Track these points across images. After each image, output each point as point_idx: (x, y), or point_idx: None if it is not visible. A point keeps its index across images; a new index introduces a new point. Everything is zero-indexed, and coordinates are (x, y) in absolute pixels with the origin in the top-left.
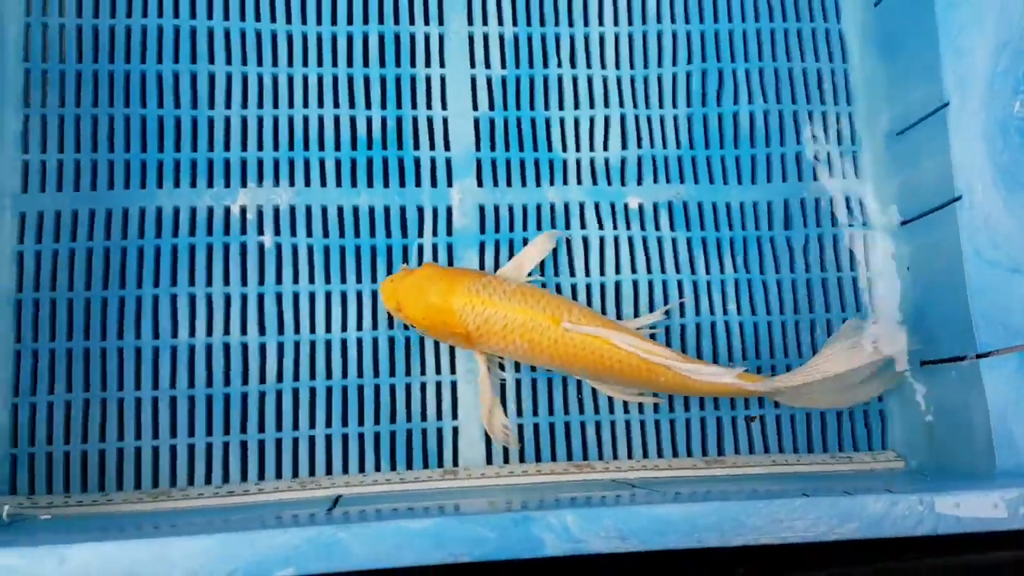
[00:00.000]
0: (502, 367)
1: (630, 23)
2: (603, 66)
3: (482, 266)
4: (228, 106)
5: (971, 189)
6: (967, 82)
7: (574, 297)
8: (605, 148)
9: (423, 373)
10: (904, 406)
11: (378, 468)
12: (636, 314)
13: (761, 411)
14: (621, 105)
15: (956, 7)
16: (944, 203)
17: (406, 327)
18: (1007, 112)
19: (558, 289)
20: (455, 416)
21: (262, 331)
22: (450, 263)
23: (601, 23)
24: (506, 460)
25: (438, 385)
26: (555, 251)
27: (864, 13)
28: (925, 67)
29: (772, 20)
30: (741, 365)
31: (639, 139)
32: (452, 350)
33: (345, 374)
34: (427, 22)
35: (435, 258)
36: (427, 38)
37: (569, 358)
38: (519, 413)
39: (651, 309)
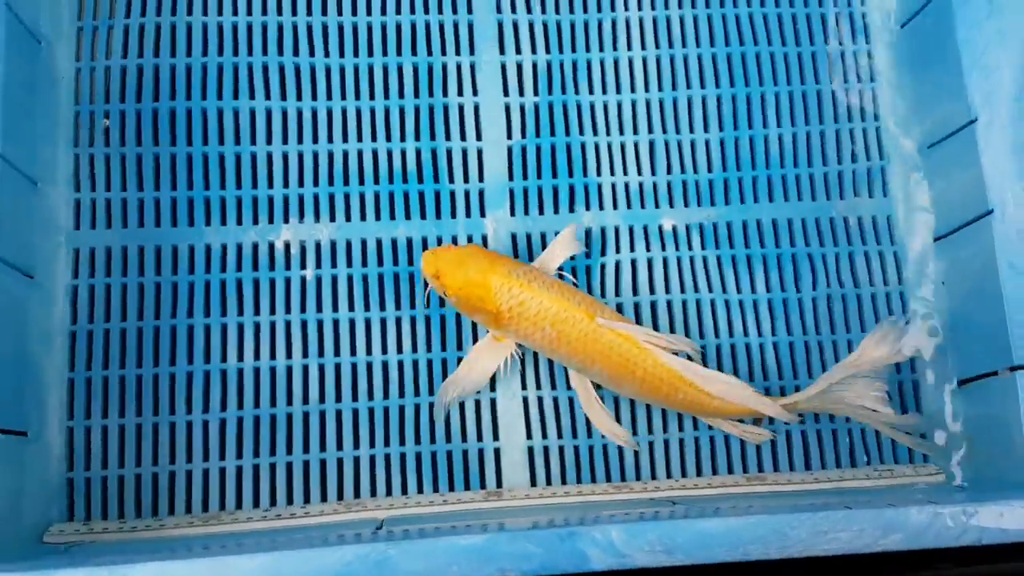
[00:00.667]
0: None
1: (657, 47)
2: (633, 90)
3: None
4: (269, 142)
5: (1003, 202)
6: (994, 98)
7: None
8: (639, 172)
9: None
10: (943, 418)
11: (420, 490)
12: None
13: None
14: (650, 131)
15: (979, 26)
16: (977, 217)
17: (441, 303)
18: None
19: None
20: (496, 437)
21: (305, 355)
22: None
23: (630, 48)
24: (548, 482)
25: (477, 404)
26: (589, 272)
27: (891, 34)
28: (952, 84)
29: (799, 44)
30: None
31: (669, 163)
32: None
33: (387, 395)
34: (458, 52)
35: None
36: (459, 68)
37: (595, 355)
38: (559, 435)
39: (686, 328)
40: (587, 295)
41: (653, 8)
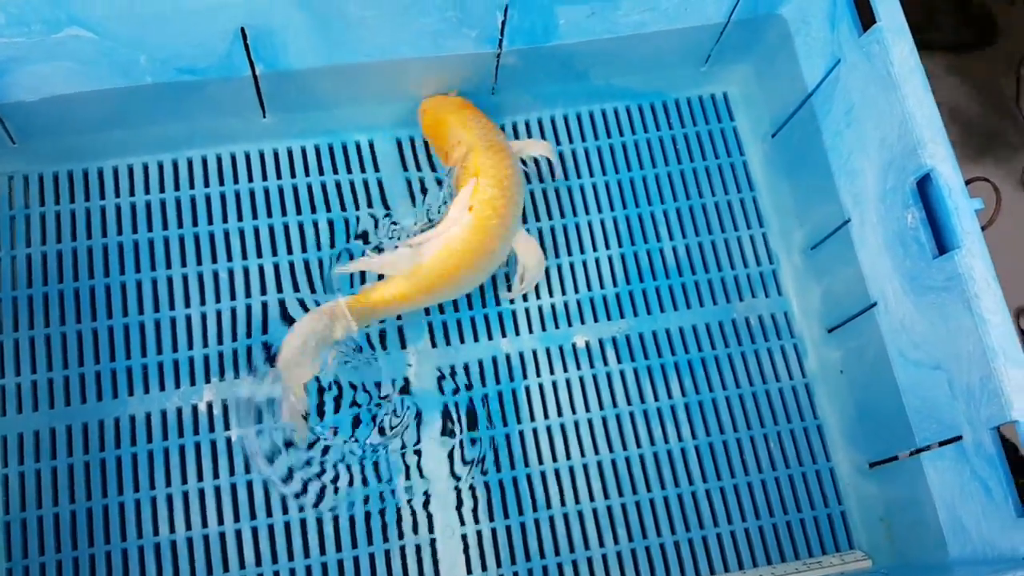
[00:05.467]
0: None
1: (553, 178)
2: (537, 219)
3: (445, 427)
4: (188, 304)
5: (884, 295)
6: (862, 199)
7: (536, 442)
8: (550, 294)
9: (401, 537)
10: (860, 505)
11: None
12: (597, 452)
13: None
14: (556, 255)
15: (841, 134)
16: (862, 310)
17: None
18: (902, 224)
19: (520, 436)
20: (437, 575)
21: (237, 519)
22: (418, 429)
23: (542, 181)
24: None
25: (417, 548)
26: (516, 398)
27: (763, 144)
28: (824, 188)
29: (680, 162)
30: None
31: (575, 282)
32: (428, 509)
33: (323, 551)
34: (363, 170)
35: (402, 424)
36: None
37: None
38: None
39: (608, 442)
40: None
41: (558, 144)
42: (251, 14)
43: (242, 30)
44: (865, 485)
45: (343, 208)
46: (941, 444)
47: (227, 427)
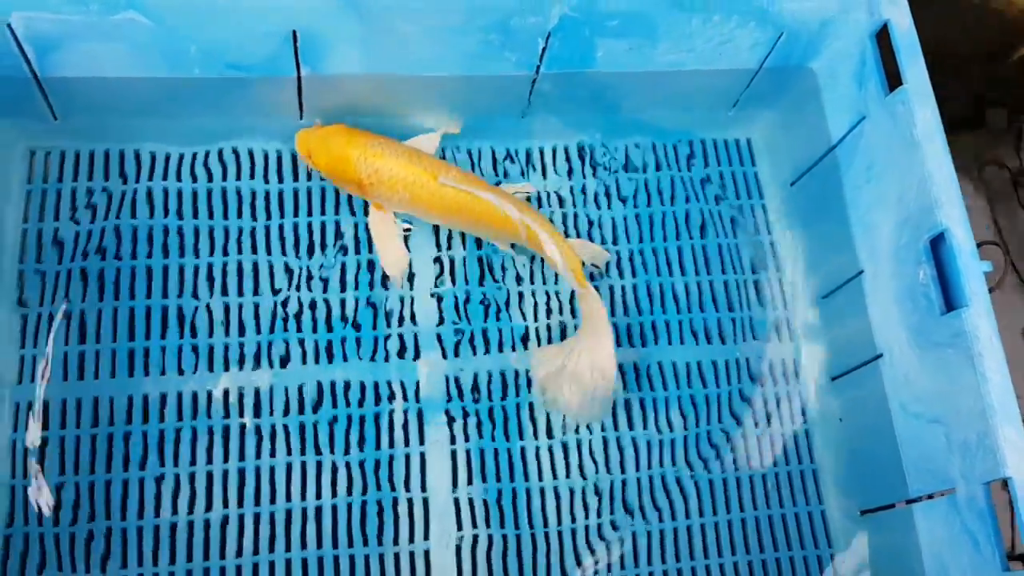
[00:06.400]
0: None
1: (574, 206)
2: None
3: (452, 435)
4: (211, 293)
5: (890, 348)
6: (877, 253)
7: (537, 459)
8: (560, 313)
9: (396, 543)
10: (849, 550)
11: None
12: (596, 474)
13: None
14: None
15: (861, 188)
16: (867, 360)
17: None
18: (913, 279)
19: (522, 452)
20: None
21: (240, 505)
22: (420, 432)
23: (551, 206)
24: None
25: (411, 555)
26: (519, 414)
27: (782, 191)
28: (840, 239)
29: (700, 201)
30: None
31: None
32: (427, 516)
33: (320, 544)
34: None
35: (406, 428)
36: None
37: (446, 210)
38: None
39: (607, 467)
40: (435, 159)
41: (570, 171)
42: (303, 17)
43: (293, 32)
44: (855, 531)
45: (366, 213)
46: (934, 496)
47: (241, 415)
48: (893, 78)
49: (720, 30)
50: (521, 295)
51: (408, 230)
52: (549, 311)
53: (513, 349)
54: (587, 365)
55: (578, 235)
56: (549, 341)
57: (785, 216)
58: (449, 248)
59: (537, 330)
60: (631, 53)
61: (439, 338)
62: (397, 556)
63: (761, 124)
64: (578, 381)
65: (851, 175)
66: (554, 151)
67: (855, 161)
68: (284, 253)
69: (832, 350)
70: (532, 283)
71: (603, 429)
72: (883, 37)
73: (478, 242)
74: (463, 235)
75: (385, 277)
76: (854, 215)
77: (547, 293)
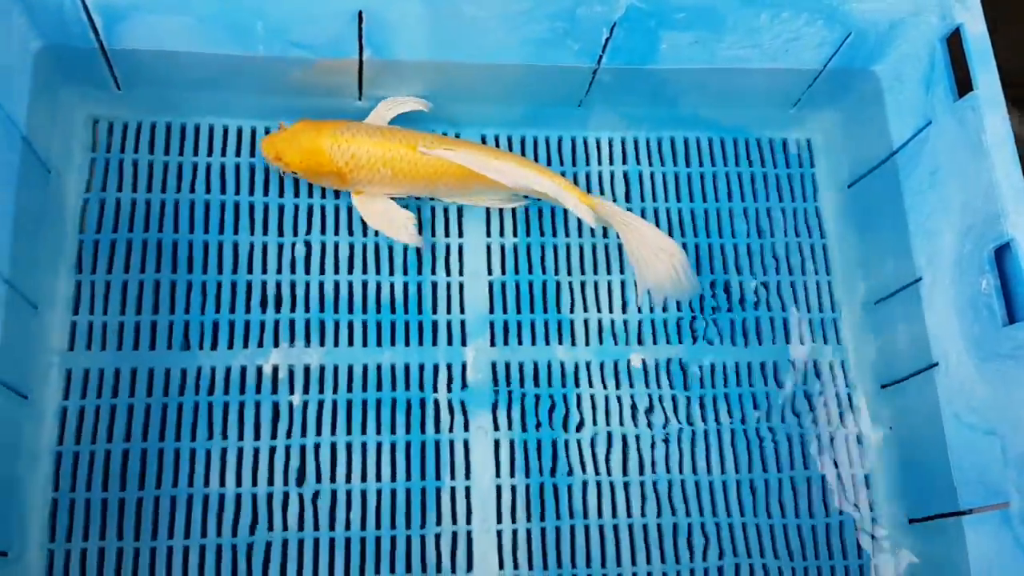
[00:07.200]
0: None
1: (628, 200)
2: (605, 236)
3: (496, 423)
4: (264, 271)
5: (946, 357)
6: (937, 260)
7: (579, 451)
8: (610, 310)
9: (439, 523)
10: (895, 559)
11: None
12: (641, 471)
13: None
14: (621, 272)
15: (923, 194)
16: (921, 369)
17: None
18: (975, 289)
19: (565, 443)
20: (470, 568)
21: (286, 482)
22: (465, 419)
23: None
24: None
25: (453, 536)
26: (567, 405)
27: (839, 193)
28: (897, 244)
29: (756, 200)
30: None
31: (638, 303)
32: (469, 503)
33: (364, 526)
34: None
35: (451, 416)
36: (446, 209)
37: (429, 178)
38: (530, 567)
39: (653, 464)
40: (407, 131)
41: (625, 163)
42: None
43: (360, 14)
44: (902, 540)
45: (417, 197)
46: (986, 509)
47: (291, 391)
48: (960, 84)
49: (788, 27)
50: (571, 284)
51: None
52: (598, 306)
53: (560, 341)
54: (653, 252)
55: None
56: (600, 335)
57: (840, 218)
58: (501, 235)
59: (587, 322)
60: (695, 47)
61: (491, 325)
62: (439, 538)
63: (820, 125)
64: (657, 263)
65: (913, 180)
66: (610, 142)
67: (918, 166)
68: (337, 233)
69: (883, 357)
70: (583, 274)
71: (650, 427)
72: (952, 42)
73: (528, 229)
74: (514, 222)
75: (434, 261)
76: (914, 221)
77: (595, 284)
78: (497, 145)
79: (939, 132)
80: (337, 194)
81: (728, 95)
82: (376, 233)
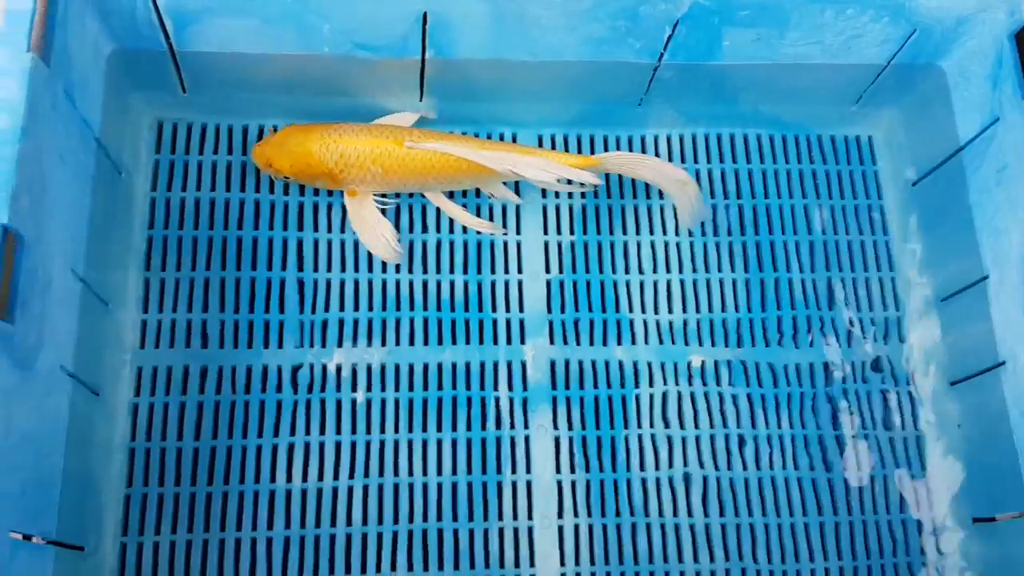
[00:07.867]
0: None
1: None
2: (664, 233)
3: (555, 421)
4: (330, 269)
5: (1015, 356)
6: (1004, 259)
7: (640, 449)
8: (669, 311)
9: (500, 518)
10: (961, 559)
11: None
12: (702, 469)
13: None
14: (680, 271)
15: (990, 192)
16: (989, 367)
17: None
18: None
19: (625, 440)
20: (532, 563)
21: (352, 476)
22: (525, 417)
23: (662, 196)
24: None
25: (515, 531)
26: (625, 404)
27: (902, 191)
28: (963, 243)
29: (819, 197)
30: None
31: (697, 303)
32: (530, 498)
33: (425, 518)
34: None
35: (512, 413)
36: (504, 208)
37: (420, 173)
38: (591, 562)
39: (715, 462)
40: (394, 127)
41: (683, 161)
42: (435, 0)
43: (424, 15)
44: (966, 541)
45: (476, 195)
46: None
47: (354, 389)
48: None
49: (853, 24)
50: (628, 284)
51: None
52: (656, 306)
53: (619, 342)
54: (673, 183)
55: (689, 232)
56: (659, 334)
57: (905, 216)
58: (558, 232)
59: (646, 322)
60: (758, 44)
61: (549, 324)
62: (502, 532)
63: (883, 122)
64: (682, 195)
65: (979, 177)
66: (668, 140)
67: (984, 163)
68: (398, 230)
69: (952, 355)
70: (640, 273)
71: (711, 426)
72: (1021, 38)
73: (585, 228)
74: (571, 220)
75: (493, 260)
76: (980, 218)
77: (655, 284)
78: (553, 146)
79: (1007, 129)
80: (397, 195)
81: (789, 92)
82: (437, 230)
